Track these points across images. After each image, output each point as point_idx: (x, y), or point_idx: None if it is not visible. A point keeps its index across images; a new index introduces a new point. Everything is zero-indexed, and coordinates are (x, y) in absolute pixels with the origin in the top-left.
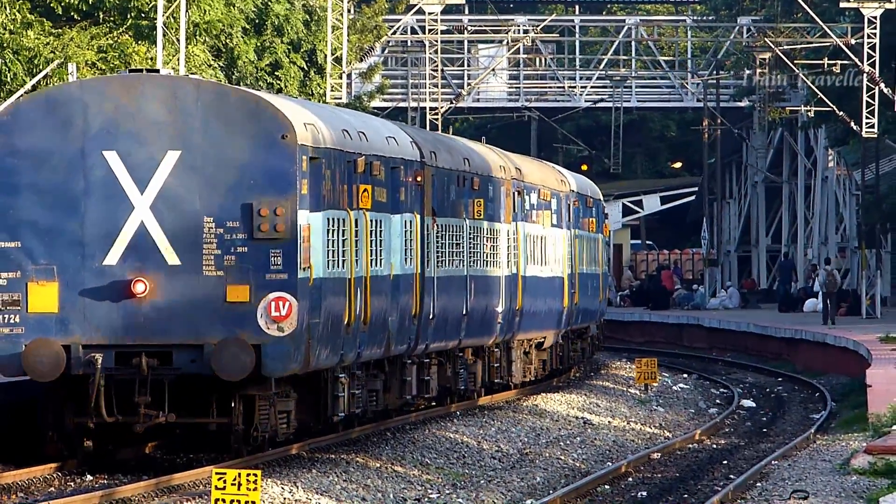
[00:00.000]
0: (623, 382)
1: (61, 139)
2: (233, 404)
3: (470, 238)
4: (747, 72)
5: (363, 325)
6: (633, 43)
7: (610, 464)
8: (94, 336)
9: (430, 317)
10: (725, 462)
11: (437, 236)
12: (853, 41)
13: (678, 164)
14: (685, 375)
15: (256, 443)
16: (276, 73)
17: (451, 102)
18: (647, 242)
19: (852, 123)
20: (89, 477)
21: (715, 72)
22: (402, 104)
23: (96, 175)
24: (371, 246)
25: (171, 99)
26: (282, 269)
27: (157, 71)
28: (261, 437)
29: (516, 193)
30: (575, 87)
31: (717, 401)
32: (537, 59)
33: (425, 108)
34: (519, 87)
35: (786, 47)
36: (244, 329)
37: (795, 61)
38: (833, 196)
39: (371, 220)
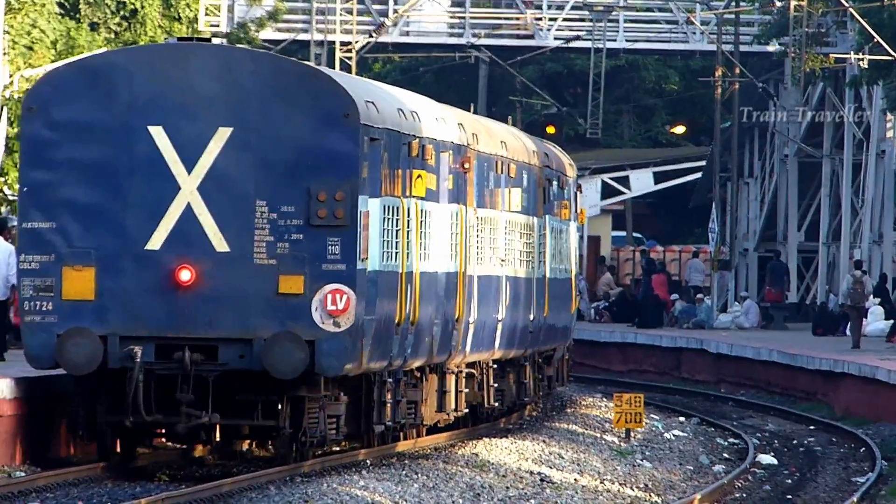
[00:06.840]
0: (596, 426)
1: (103, 112)
2: (280, 406)
3: (506, 234)
4: (778, 4)
5: (411, 327)
6: None
7: None
8: (133, 327)
9: (471, 321)
10: None
11: (478, 231)
12: None
13: (680, 129)
14: (682, 419)
15: (303, 448)
16: None
17: (371, 36)
18: (635, 235)
19: None
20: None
21: (733, 3)
22: (302, 36)
23: (140, 151)
24: (420, 239)
25: (223, 71)
26: (340, 259)
27: (209, 40)
28: (308, 443)
29: (547, 182)
30: (541, 19)
31: (725, 454)
32: None
33: (334, 42)
34: (464, 19)
35: None
36: (297, 323)
37: None
38: (891, 177)
39: (421, 210)
